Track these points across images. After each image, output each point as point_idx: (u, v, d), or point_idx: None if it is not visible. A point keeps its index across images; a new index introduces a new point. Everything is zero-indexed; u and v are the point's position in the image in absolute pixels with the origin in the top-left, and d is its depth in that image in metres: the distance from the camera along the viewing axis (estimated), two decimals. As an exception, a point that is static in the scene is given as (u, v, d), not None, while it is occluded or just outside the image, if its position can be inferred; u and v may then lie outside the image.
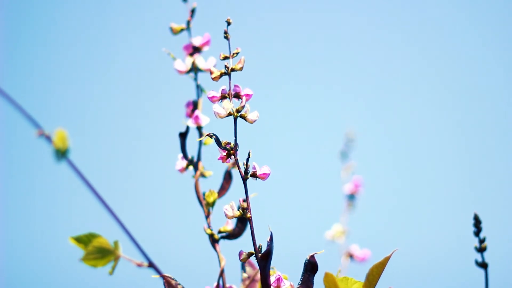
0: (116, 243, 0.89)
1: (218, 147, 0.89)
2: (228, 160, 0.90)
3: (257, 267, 1.01)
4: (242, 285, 1.02)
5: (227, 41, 0.91)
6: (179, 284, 0.93)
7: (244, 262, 0.90)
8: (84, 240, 0.89)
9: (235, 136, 0.89)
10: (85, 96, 2.17)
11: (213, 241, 1.03)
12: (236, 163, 0.89)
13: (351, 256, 1.48)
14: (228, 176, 1.07)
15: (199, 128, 1.06)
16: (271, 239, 0.87)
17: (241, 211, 0.89)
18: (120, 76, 2.20)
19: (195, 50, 1.09)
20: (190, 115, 1.07)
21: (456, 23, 2.32)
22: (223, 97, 0.91)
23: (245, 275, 1.03)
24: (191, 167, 1.06)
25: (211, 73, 0.92)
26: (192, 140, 1.07)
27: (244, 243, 0.90)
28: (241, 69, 0.92)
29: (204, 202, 1.04)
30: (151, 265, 0.88)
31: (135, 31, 2.22)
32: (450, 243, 1.85)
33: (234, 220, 1.04)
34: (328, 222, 1.52)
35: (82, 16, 2.26)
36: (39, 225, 2.00)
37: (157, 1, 2.17)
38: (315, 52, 2.26)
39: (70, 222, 1.92)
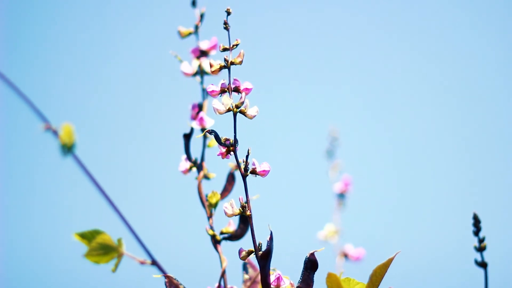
0: (119, 240, 0.89)
1: (217, 143, 0.90)
2: (227, 156, 0.90)
3: (258, 267, 1.01)
4: (243, 286, 1.03)
5: (226, 32, 0.91)
6: (181, 284, 0.93)
7: (243, 260, 0.90)
8: (88, 236, 0.89)
9: (235, 132, 0.89)
10: (93, 94, 2.18)
11: (215, 242, 1.03)
12: (235, 159, 0.89)
13: (345, 255, 1.48)
14: (231, 178, 1.08)
15: (203, 130, 1.07)
16: (271, 238, 0.87)
17: (240, 209, 0.90)
18: (127, 76, 2.20)
19: (202, 53, 1.09)
20: (195, 117, 1.08)
21: (440, 22, 2.32)
22: (222, 91, 0.91)
23: (246, 276, 1.03)
24: (194, 169, 1.07)
25: (211, 66, 0.92)
26: (196, 142, 1.08)
27: (246, 244, 0.91)
28: (240, 63, 0.91)
29: (206, 203, 1.04)
30: (154, 263, 0.89)
31: (143, 33, 2.23)
32: (449, 242, 1.85)
33: (237, 221, 1.05)
34: (320, 222, 1.52)
35: (92, 17, 2.27)
36: (43, 220, 2.00)
37: (165, 4, 2.18)
38: (303, 51, 2.27)
39: (75, 218, 1.92)
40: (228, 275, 1.01)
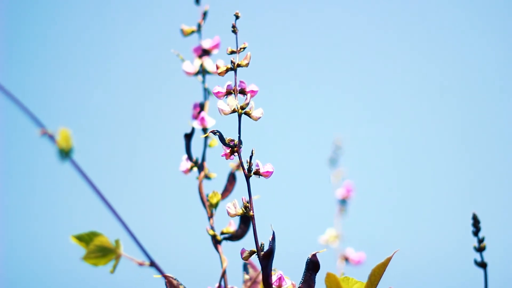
0: (117, 242, 0.89)
1: (222, 144, 0.90)
2: (231, 157, 0.90)
3: (259, 268, 1.01)
4: (243, 286, 1.03)
5: (234, 35, 0.91)
6: (181, 285, 0.93)
7: (246, 260, 0.90)
8: (85, 238, 0.89)
9: (239, 133, 0.89)
10: (91, 95, 2.18)
11: (216, 242, 1.03)
12: (239, 160, 0.89)
13: (346, 259, 1.49)
14: (232, 178, 1.07)
15: (204, 130, 1.06)
16: (273, 239, 0.88)
17: (243, 209, 0.90)
18: (127, 76, 2.20)
19: (204, 52, 1.09)
20: (196, 116, 1.08)
21: (437, 23, 2.32)
22: (228, 92, 0.91)
23: (247, 276, 1.03)
24: (195, 169, 1.07)
25: (217, 68, 0.92)
26: (196, 142, 1.08)
27: (246, 245, 0.91)
28: (247, 65, 0.91)
29: (207, 203, 1.04)
30: (152, 264, 0.88)
31: (144, 32, 2.23)
32: (449, 243, 1.86)
33: (237, 221, 1.05)
34: (321, 226, 1.52)
35: (90, 17, 2.26)
36: (41, 223, 2.00)
37: (167, 2, 2.18)
38: (307, 56, 2.27)
39: (72, 220, 1.92)
40: (228, 275, 1.01)
